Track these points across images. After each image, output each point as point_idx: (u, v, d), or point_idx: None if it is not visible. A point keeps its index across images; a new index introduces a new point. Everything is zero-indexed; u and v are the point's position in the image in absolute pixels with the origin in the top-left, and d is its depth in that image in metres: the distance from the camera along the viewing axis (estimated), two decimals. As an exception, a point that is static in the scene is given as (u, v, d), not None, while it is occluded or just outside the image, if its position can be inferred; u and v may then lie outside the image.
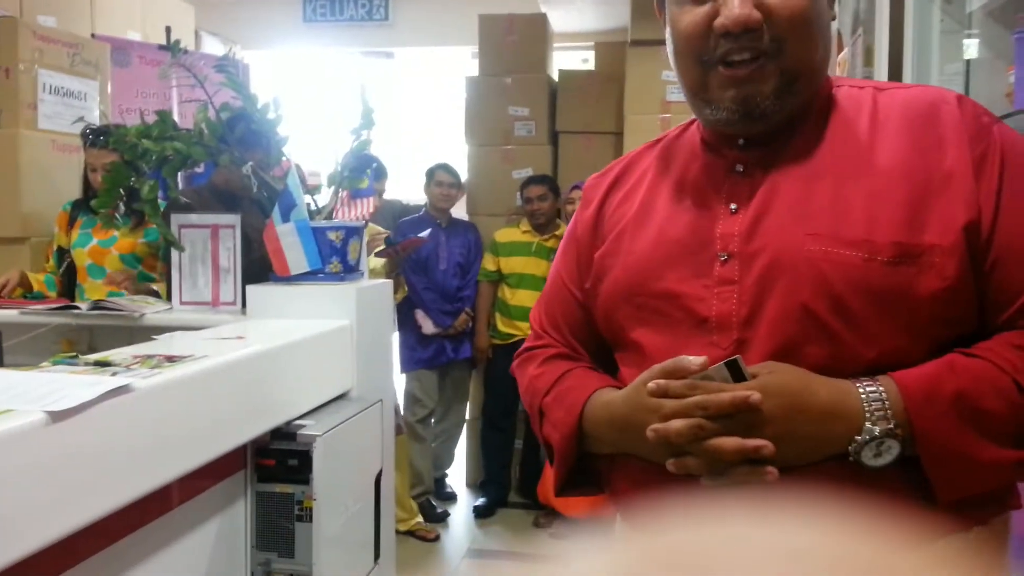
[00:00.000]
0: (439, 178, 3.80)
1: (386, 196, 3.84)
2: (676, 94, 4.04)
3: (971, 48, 2.00)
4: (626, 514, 0.95)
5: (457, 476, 4.22)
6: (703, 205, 0.90)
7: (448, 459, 4.10)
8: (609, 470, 0.93)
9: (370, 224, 3.40)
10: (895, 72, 2.37)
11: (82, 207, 2.74)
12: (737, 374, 0.78)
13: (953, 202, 0.79)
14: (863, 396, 0.77)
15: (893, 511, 0.27)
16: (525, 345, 1.08)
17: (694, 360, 0.80)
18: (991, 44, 1.96)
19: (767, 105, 0.84)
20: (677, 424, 0.78)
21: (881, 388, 0.77)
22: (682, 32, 0.86)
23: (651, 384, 0.81)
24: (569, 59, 5.78)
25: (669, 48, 0.90)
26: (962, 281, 0.78)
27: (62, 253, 2.74)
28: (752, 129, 0.87)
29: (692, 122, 0.99)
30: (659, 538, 0.25)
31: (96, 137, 2.58)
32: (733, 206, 0.88)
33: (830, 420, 0.77)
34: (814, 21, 0.83)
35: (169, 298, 2.30)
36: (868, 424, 0.75)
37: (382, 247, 3.25)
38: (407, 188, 4.17)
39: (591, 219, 1.02)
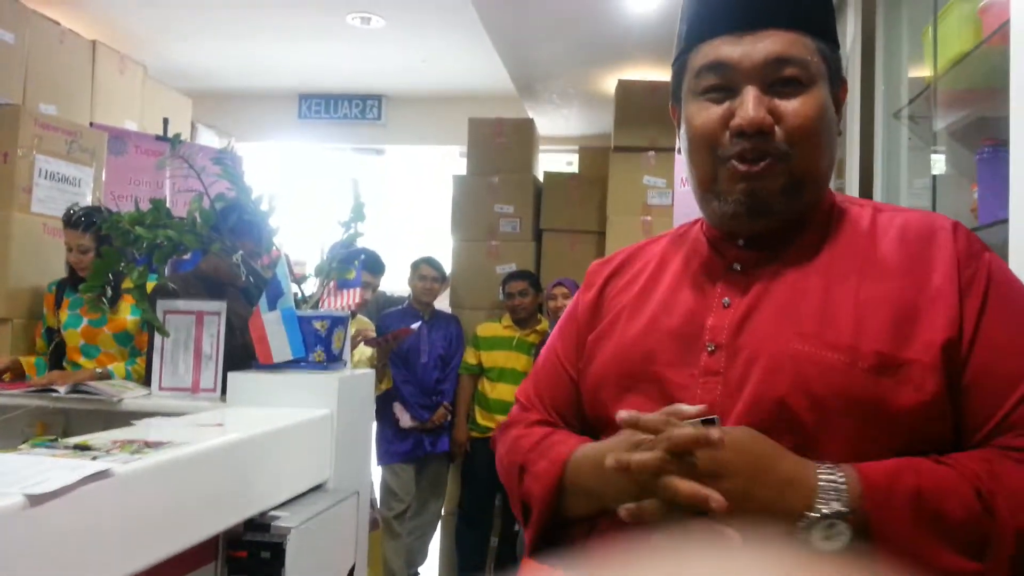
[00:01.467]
0: (423, 272, 3.85)
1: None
2: (656, 198, 4.17)
3: (938, 164, 2.09)
4: None
5: (430, 573, 4.11)
6: (698, 298, 0.94)
7: (422, 556, 4.00)
8: (587, 536, 0.90)
9: (359, 316, 3.43)
10: (866, 184, 2.47)
11: (67, 287, 2.76)
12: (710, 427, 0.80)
13: (936, 320, 0.82)
14: (821, 475, 0.77)
15: None
16: (509, 416, 1.09)
17: (684, 409, 0.81)
18: (956, 162, 2.06)
19: (774, 202, 0.88)
20: (640, 455, 0.78)
21: (841, 473, 0.77)
22: (698, 128, 0.91)
23: (622, 413, 0.82)
24: (554, 161, 5.96)
25: (683, 144, 0.94)
26: (939, 397, 0.80)
27: (51, 333, 2.74)
28: (755, 226, 0.91)
29: (697, 221, 1.03)
30: None
31: (74, 219, 2.63)
32: (726, 300, 0.91)
33: (787, 488, 0.76)
34: (822, 130, 0.88)
35: (148, 383, 2.29)
36: (821, 504, 0.75)
37: (371, 337, 3.27)
38: (392, 280, 4.22)
39: (591, 301, 1.05)
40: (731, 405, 0.85)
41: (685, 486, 0.76)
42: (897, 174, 2.33)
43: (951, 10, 1.81)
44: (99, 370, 2.56)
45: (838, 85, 0.93)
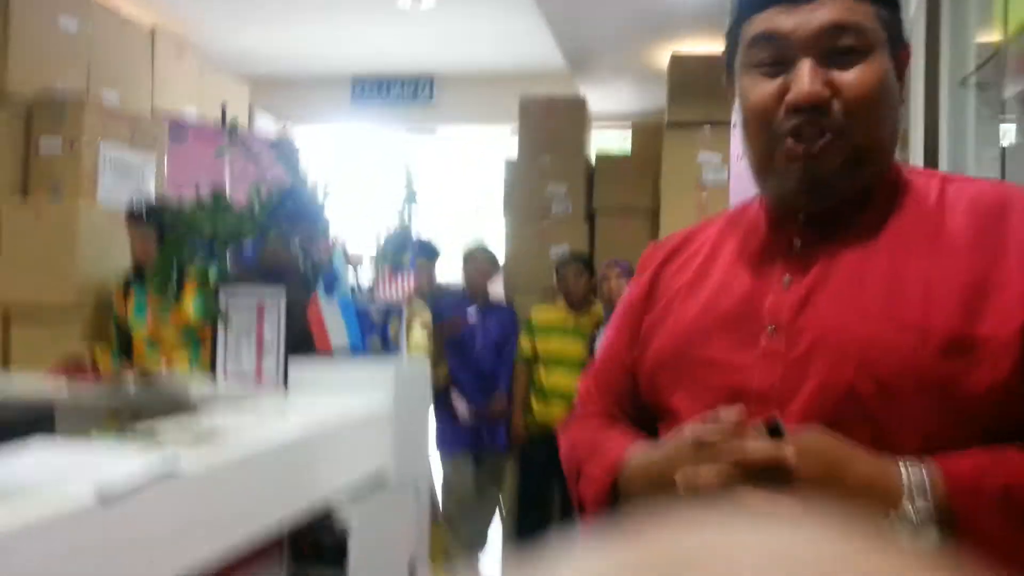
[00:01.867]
0: (476, 261, 3.84)
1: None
2: (712, 174, 4.09)
3: (1008, 134, 2.01)
4: None
5: (491, 561, 4.14)
6: (757, 277, 0.90)
7: (482, 545, 4.02)
8: None
9: (413, 304, 3.45)
10: (931, 157, 2.38)
11: (134, 280, 2.83)
12: (776, 436, 0.76)
13: (1013, 299, 0.77)
14: (904, 475, 0.74)
15: None
16: (571, 412, 1.09)
17: (731, 415, 0.77)
18: (1028, 131, 1.97)
19: (834, 180, 0.85)
20: (706, 470, 0.75)
21: (925, 470, 0.74)
22: (753, 105, 0.87)
23: (687, 429, 0.79)
24: (606, 138, 5.89)
25: (738, 120, 0.92)
26: (1016, 378, 0.76)
27: (119, 326, 2.83)
28: (816, 204, 0.88)
29: (754, 200, 0.99)
30: (655, 541, 0.25)
31: (136, 213, 2.69)
32: (787, 278, 0.88)
33: (866, 494, 0.73)
34: (883, 101, 0.85)
35: (213, 372, 2.35)
36: (907, 505, 0.72)
37: (428, 323, 3.29)
38: (447, 265, 4.24)
39: (645, 286, 1.03)
40: (793, 388, 0.82)
41: (758, 502, 0.73)
42: (964, 145, 2.24)
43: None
44: (164, 370, 2.63)
45: (899, 51, 0.88)
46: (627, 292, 1.07)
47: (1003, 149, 2.01)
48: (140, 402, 2.25)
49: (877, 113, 0.85)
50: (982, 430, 0.77)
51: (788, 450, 0.74)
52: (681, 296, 0.96)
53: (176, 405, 2.11)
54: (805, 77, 0.82)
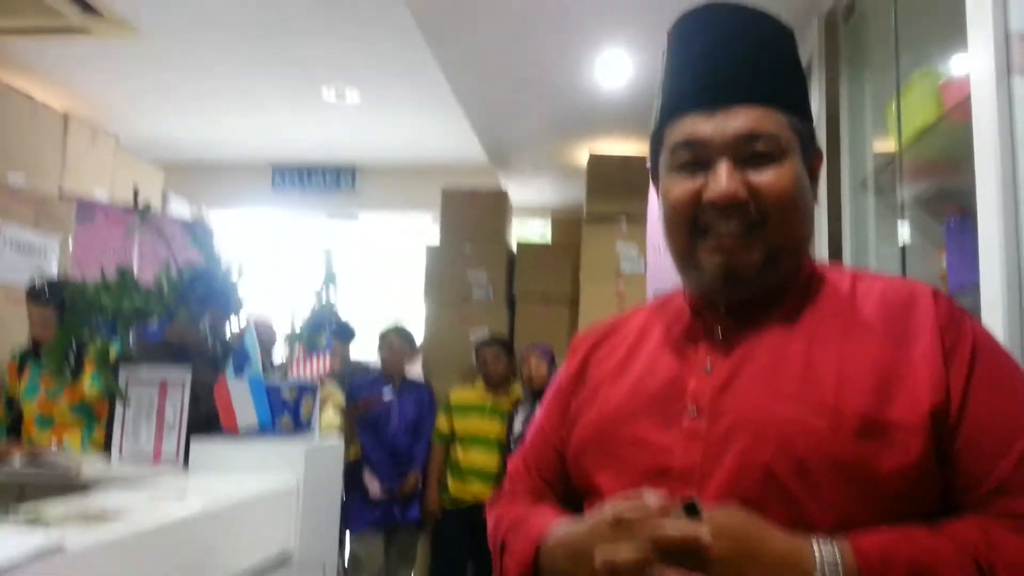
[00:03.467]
0: (391, 342, 3.81)
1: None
2: (629, 265, 4.20)
3: (905, 233, 2.11)
4: None
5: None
6: (681, 362, 0.94)
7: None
8: None
9: (327, 384, 3.37)
10: (835, 252, 2.49)
11: (29, 357, 2.69)
12: (694, 515, 0.77)
13: (921, 385, 0.81)
14: (816, 552, 0.75)
15: None
16: (498, 491, 1.10)
17: (651, 497, 0.79)
18: (923, 230, 2.09)
19: (751, 273, 0.89)
20: (624, 548, 0.76)
21: (836, 548, 0.76)
22: (674, 203, 0.91)
23: (608, 506, 0.81)
24: (527, 228, 6.02)
25: (661, 216, 0.95)
26: (925, 460, 0.79)
27: (11, 404, 2.67)
28: (734, 295, 0.92)
29: (678, 291, 1.04)
30: None
31: (37, 292, 2.59)
32: (708, 366, 0.91)
33: (779, 572, 0.75)
34: (798, 202, 0.89)
35: (108, 452, 2.21)
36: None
37: (339, 404, 3.22)
38: (365, 347, 4.18)
39: (575, 369, 1.05)
40: (713, 467, 0.84)
41: None
42: (866, 242, 2.35)
43: (914, 85, 1.86)
44: (55, 443, 2.48)
45: (811, 156, 0.94)
46: (557, 375, 1.10)
47: (902, 247, 2.11)
48: (27, 480, 2.09)
49: (792, 212, 0.89)
50: (894, 509, 0.79)
51: (703, 530, 0.75)
52: (609, 379, 0.99)
53: (65, 484, 1.97)
54: (723, 177, 0.88)
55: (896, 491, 0.79)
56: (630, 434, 0.91)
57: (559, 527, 0.90)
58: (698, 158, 0.90)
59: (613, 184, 4.28)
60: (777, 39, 0.94)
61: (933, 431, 0.80)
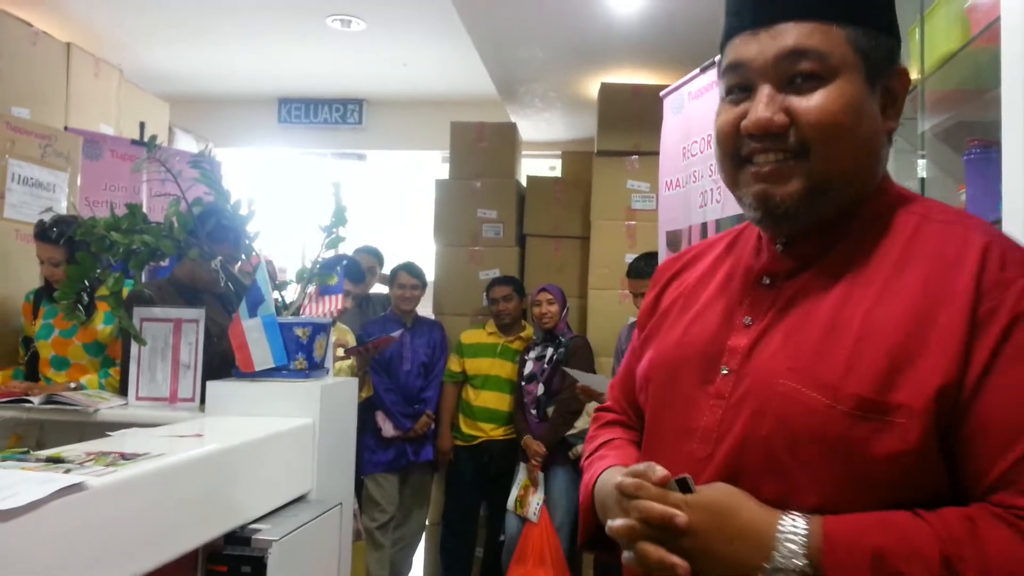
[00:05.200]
0: (401, 280, 3.81)
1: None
2: (640, 202, 4.15)
3: (924, 167, 2.08)
4: None
5: (415, 585, 4.07)
6: (726, 314, 0.93)
7: (406, 567, 3.94)
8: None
9: (339, 324, 3.38)
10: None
11: (43, 296, 2.70)
12: (685, 489, 0.82)
13: (936, 360, 0.76)
14: (781, 528, 0.76)
15: None
16: (601, 406, 1.20)
17: (658, 472, 0.83)
18: (942, 164, 2.05)
19: (790, 205, 0.84)
20: (618, 523, 0.83)
21: (804, 525, 0.75)
22: (718, 131, 0.90)
23: (620, 476, 0.87)
24: (537, 166, 5.94)
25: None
26: (925, 448, 0.75)
27: (28, 343, 2.68)
28: (779, 229, 0.89)
29: None
30: None
31: (46, 231, 2.57)
32: (748, 320, 0.90)
33: (740, 542, 0.77)
34: (848, 128, 0.83)
35: (125, 393, 2.24)
36: (777, 556, 0.75)
37: (352, 346, 3.23)
38: (374, 289, 4.18)
39: (651, 302, 1.08)
40: (725, 434, 0.85)
41: (653, 553, 0.80)
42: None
43: (937, 9, 1.80)
44: (72, 384, 2.49)
45: (886, 74, 0.87)
46: (643, 303, 1.13)
47: (921, 180, 2.08)
48: (44, 422, 2.12)
49: (840, 139, 0.82)
50: (889, 495, 0.76)
51: (679, 516, 0.79)
52: (672, 317, 1.01)
53: (83, 426, 2.00)
54: (760, 104, 0.84)
55: (890, 477, 0.76)
56: (675, 384, 0.94)
57: (608, 474, 0.96)
58: (743, 82, 0.87)
59: (625, 116, 4.19)
60: None
61: (938, 414, 0.75)
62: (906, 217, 0.87)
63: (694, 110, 3.05)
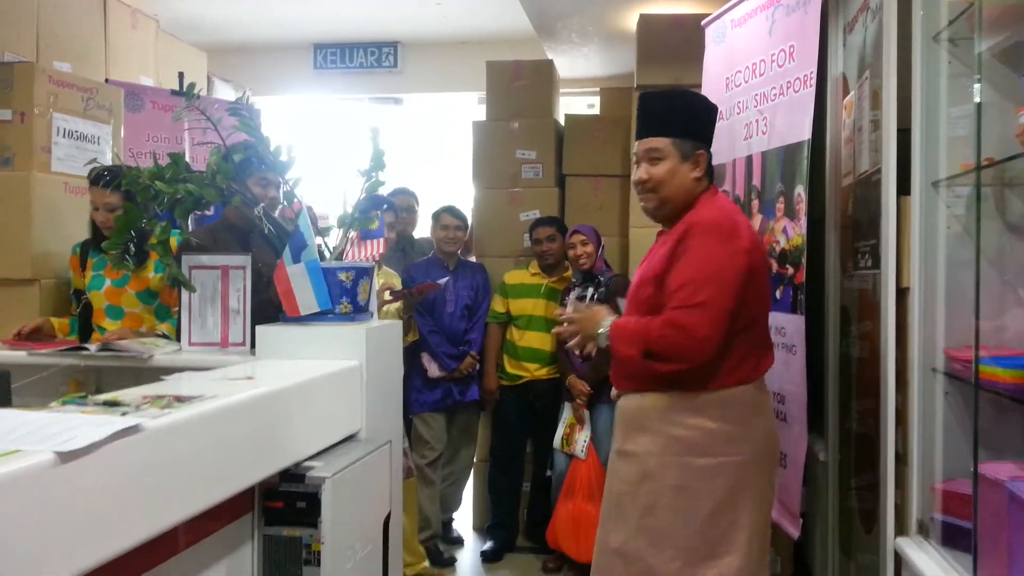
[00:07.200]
0: (444, 221, 3.80)
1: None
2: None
3: (980, 90, 1.99)
4: None
5: (464, 520, 4.16)
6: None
7: (455, 503, 4.04)
8: None
9: (384, 268, 3.40)
10: (904, 116, 2.36)
11: (91, 247, 2.75)
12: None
13: (663, 266, 1.93)
14: (604, 324, 1.98)
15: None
16: None
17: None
18: (1000, 86, 1.96)
19: (651, 212, 2.07)
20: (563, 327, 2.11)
21: (611, 320, 1.99)
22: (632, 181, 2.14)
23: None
24: (575, 104, 5.84)
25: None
26: (657, 293, 1.93)
27: (79, 295, 2.74)
28: (656, 221, 2.11)
29: None
30: None
31: (100, 176, 2.60)
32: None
33: (592, 325, 2.00)
34: (668, 180, 1.99)
35: (178, 339, 2.29)
36: (599, 331, 1.98)
37: (397, 290, 3.26)
38: (417, 231, 4.18)
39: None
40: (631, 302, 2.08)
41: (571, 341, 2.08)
42: (936, 103, 2.22)
43: (999, -81, 1.70)
44: (143, 328, 2.56)
45: (692, 154, 2.00)
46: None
47: (978, 104, 1.99)
48: (102, 368, 2.19)
49: (666, 187, 2.00)
50: (653, 312, 1.93)
51: (567, 315, 2.10)
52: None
53: (139, 371, 2.06)
54: (637, 171, 2.05)
55: (652, 304, 1.93)
56: None
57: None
58: (636, 160, 2.07)
59: (666, 50, 4.07)
60: (676, 99, 2.08)
61: (659, 282, 1.92)
62: (693, 213, 1.98)
63: (736, 38, 2.95)
